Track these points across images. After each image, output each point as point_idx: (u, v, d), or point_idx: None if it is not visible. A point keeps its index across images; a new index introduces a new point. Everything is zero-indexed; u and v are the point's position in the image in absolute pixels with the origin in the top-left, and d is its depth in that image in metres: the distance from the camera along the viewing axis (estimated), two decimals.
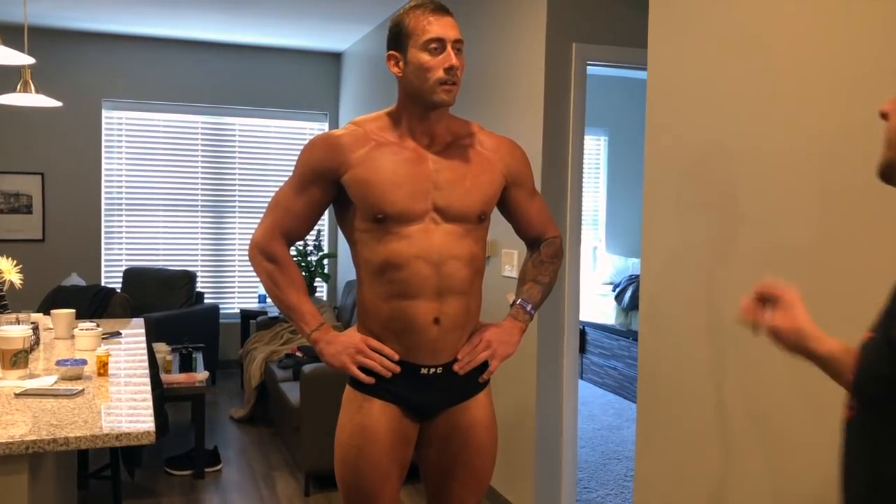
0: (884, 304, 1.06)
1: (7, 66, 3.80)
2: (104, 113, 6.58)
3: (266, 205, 2.03)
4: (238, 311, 6.74)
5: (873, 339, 1.03)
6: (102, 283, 6.46)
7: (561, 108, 3.48)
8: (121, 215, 6.70)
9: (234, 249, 7.05)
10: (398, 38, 1.89)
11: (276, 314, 6.11)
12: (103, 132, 6.58)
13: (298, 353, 4.98)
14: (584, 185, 3.60)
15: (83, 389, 2.40)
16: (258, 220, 2.01)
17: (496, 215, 2.07)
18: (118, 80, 6.57)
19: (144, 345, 3.30)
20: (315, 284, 6.56)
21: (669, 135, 2.47)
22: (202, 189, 6.91)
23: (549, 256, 2.15)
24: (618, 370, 6.39)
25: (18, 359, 2.51)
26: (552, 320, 3.51)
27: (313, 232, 6.20)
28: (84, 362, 2.63)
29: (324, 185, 1.93)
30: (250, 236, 2.02)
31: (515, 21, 3.70)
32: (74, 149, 6.48)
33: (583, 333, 6.81)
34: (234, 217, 7.03)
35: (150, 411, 2.20)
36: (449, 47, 1.85)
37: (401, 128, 1.94)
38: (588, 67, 3.52)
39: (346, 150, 1.90)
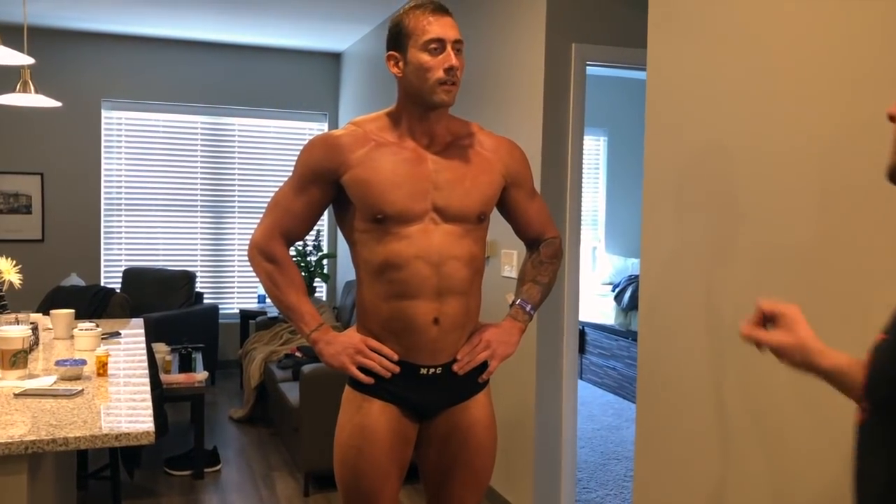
0: None
1: (7, 66, 3.80)
2: (104, 113, 6.58)
3: (265, 205, 2.03)
4: (237, 311, 6.74)
5: (886, 340, 1.03)
6: (102, 284, 6.45)
7: (560, 109, 3.48)
8: (120, 215, 6.70)
9: (233, 249, 7.05)
10: (398, 38, 1.89)
11: (276, 314, 6.11)
12: (103, 132, 6.58)
13: (298, 354, 4.98)
14: (583, 185, 3.60)
15: (82, 390, 2.40)
16: (257, 221, 2.01)
17: (496, 215, 2.07)
18: (118, 80, 6.57)
19: (144, 345, 3.30)
20: (314, 285, 6.55)
21: (669, 135, 2.47)
22: (202, 189, 6.91)
23: (549, 257, 2.15)
24: (617, 370, 6.39)
25: (18, 359, 2.51)
26: (552, 320, 3.51)
27: (313, 232, 6.20)
28: (83, 362, 2.63)
29: (323, 185, 1.93)
30: (250, 236, 2.02)
31: (515, 21, 3.70)
32: (74, 149, 6.48)
33: (582, 334, 6.81)
34: (234, 217, 7.03)
35: (150, 411, 2.20)
36: (449, 47, 1.85)
37: (400, 128, 1.94)
38: (587, 68, 3.52)
39: (345, 151, 1.90)
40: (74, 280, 5.74)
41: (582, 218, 3.58)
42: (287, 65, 7.02)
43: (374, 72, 5.98)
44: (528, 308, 2.08)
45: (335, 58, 7.18)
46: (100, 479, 3.86)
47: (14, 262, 3.28)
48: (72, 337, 3.19)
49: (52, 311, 3.37)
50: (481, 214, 1.96)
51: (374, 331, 1.95)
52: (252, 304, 6.86)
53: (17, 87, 3.78)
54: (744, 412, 2.14)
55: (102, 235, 6.63)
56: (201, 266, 6.95)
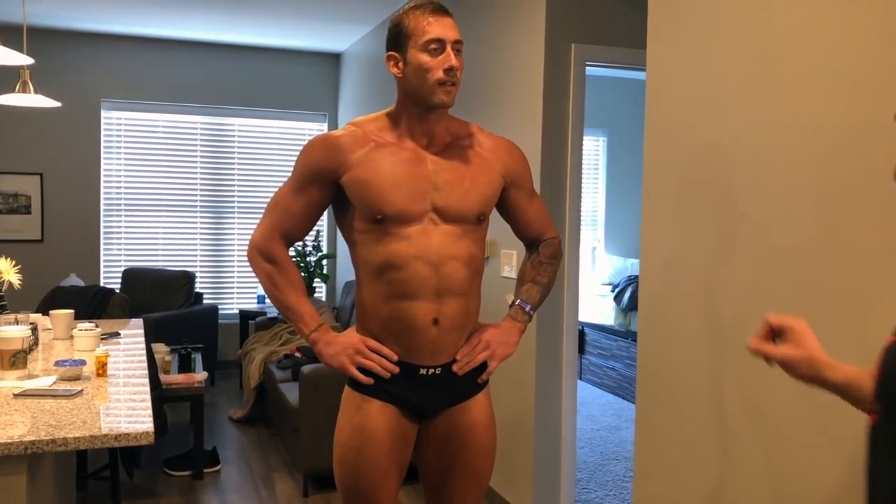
0: None
1: (6, 66, 3.80)
2: (103, 113, 6.58)
3: (265, 205, 2.03)
4: (237, 311, 6.74)
5: None
6: (101, 284, 6.45)
7: (560, 109, 3.48)
8: (120, 216, 6.70)
9: (233, 250, 7.04)
10: (398, 38, 1.89)
11: (275, 315, 6.11)
12: (102, 133, 6.58)
13: (297, 354, 4.98)
14: (583, 185, 3.60)
15: (82, 390, 2.40)
16: (257, 221, 2.02)
17: (495, 215, 2.07)
18: (117, 80, 6.56)
19: (143, 345, 3.30)
20: (314, 285, 6.55)
21: (669, 135, 2.47)
22: (201, 189, 6.91)
23: (548, 257, 2.15)
24: (617, 371, 6.39)
25: (17, 359, 2.51)
26: (551, 321, 3.51)
27: (312, 232, 6.20)
28: (83, 363, 2.63)
29: (323, 185, 1.93)
30: (249, 237, 2.02)
31: (515, 22, 3.71)
32: (73, 149, 6.48)
33: (582, 334, 6.81)
34: (233, 217, 7.03)
35: (149, 412, 2.20)
36: (448, 48, 1.85)
37: (400, 128, 1.94)
38: (587, 68, 3.52)
39: (345, 151, 1.90)
40: (74, 280, 5.74)
41: (581, 218, 3.58)
42: (287, 65, 7.02)
43: (374, 72, 5.98)
44: (527, 308, 2.08)
45: (335, 58, 7.18)
46: (99, 480, 3.86)
47: (13, 262, 3.28)
48: (71, 337, 3.19)
49: (51, 312, 3.37)
50: (480, 215, 1.96)
51: (373, 331, 1.95)
52: (251, 305, 6.86)
53: (17, 87, 3.78)
54: (743, 412, 2.14)
55: (102, 236, 6.63)
56: (201, 266, 6.94)
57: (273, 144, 7.08)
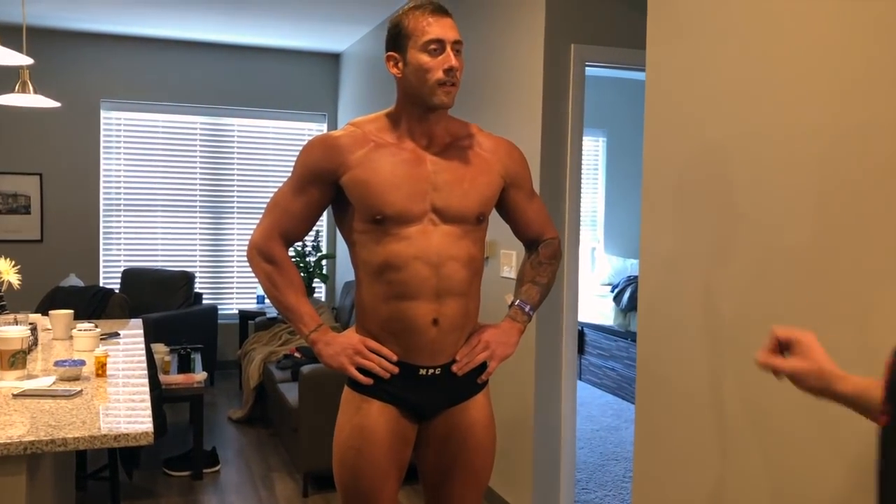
0: None
1: (6, 66, 3.80)
2: (103, 113, 6.57)
3: (264, 205, 2.03)
4: (236, 311, 6.73)
5: None
6: (101, 284, 6.45)
7: (559, 109, 3.48)
8: (119, 216, 6.70)
9: (232, 250, 7.04)
10: (397, 38, 1.89)
11: (275, 315, 6.11)
12: (102, 133, 6.57)
13: (297, 354, 4.98)
14: (582, 185, 3.60)
15: (81, 390, 2.40)
16: (256, 221, 2.02)
17: (495, 216, 2.07)
18: (117, 80, 6.56)
19: (143, 345, 3.30)
20: (313, 285, 6.55)
21: (668, 135, 2.47)
22: (201, 190, 6.91)
23: (548, 257, 2.15)
24: (616, 371, 6.39)
25: (16, 359, 2.51)
26: (551, 321, 3.51)
27: (312, 233, 6.20)
28: (82, 363, 2.63)
29: (322, 186, 1.93)
30: (249, 237, 2.02)
31: (514, 22, 3.71)
32: (73, 149, 6.48)
33: (581, 334, 6.81)
34: (233, 218, 7.03)
35: (149, 412, 2.20)
36: (448, 48, 1.85)
37: (399, 129, 1.94)
38: (587, 68, 3.52)
39: (344, 152, 1.90)
40: (73, 280, 5.73)
41: (581, 219, 3.58)
42: (286, 65, 7.02)
43: (374, 72, 5.98)
44: (527, 309, 2.08)
45: (334, 58, 7.18)
46: (99, 480, 3.86)
47: (13, 262, 3.28)
48: (71, 337, 3.18)
49: (51, 312, 3.37)
50: (480, 215, 1.96)
51: (373, 331, 1.95)
52: (251, 305, 6.86)
53: (17, 87, 3.78)
54: (743, 412, 2.14)
55: (101, 236, 6.63)
56: (200, 266, 6.94)
57: (272, 145, 7.08)
